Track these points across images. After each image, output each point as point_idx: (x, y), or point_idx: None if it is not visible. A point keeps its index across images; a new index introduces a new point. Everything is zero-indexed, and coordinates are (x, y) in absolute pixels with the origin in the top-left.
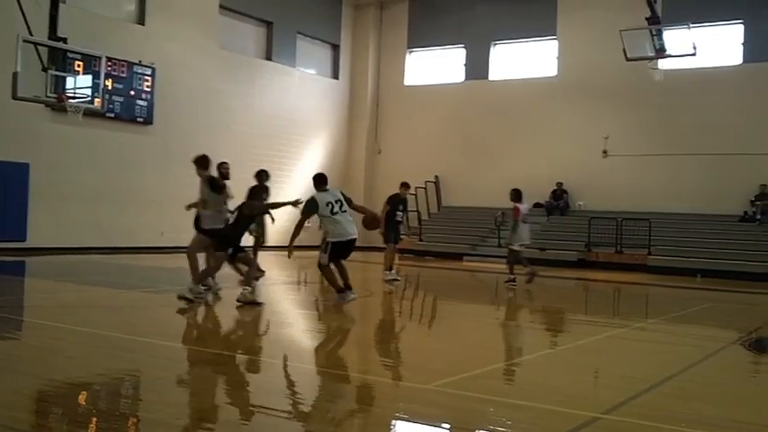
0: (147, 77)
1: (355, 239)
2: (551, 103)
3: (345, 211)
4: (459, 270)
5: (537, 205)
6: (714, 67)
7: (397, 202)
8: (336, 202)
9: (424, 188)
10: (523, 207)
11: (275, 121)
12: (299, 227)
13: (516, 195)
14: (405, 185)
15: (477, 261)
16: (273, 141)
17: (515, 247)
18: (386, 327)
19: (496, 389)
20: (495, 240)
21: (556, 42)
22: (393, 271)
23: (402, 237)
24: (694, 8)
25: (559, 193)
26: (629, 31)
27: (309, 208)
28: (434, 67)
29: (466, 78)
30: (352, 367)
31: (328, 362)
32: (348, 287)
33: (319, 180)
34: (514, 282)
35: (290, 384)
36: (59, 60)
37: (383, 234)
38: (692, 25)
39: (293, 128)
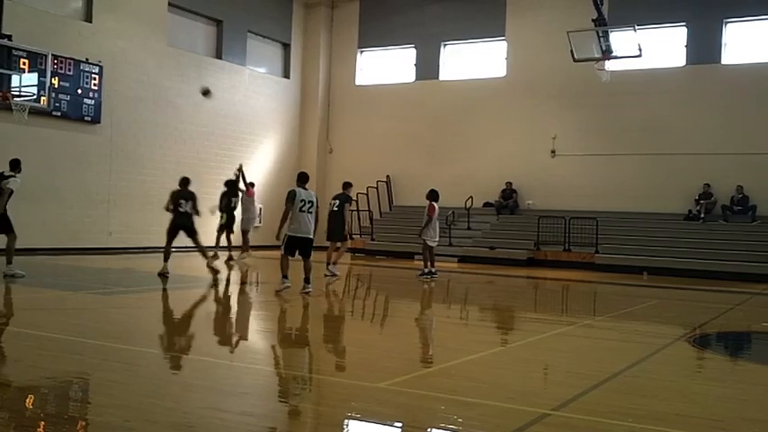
0: (94, 76)
1: (310, 239)
2: (501, 103)
3: (311, 213)
4: (409, 269)
5: (486, 204)
6: (659, 69)
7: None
8: (309, 202)
9: (376, 188)
10: (437, 206)
11: (225, 120)
12: (285, 215)
13: (433, 195)
14: (346, 184)
15: None
16: (223, 140)
17: (431, 243)
18: (337, 326)
19: (447, 387)
20: (446, 240)
21: (505, 43)
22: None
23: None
24: (640, 10)
25: (509, 193)
26: (577, 33)
27: (290, 196)
28: (385, 66)
29: (416, 78)
30: (304, 367)
31: (280, 361)
32: (306, 281)
33: (302, 178)
34: (435, 274)
35: (241, 385)
36: (4, 58)
37: (343, 233)
38: (637, 27)
39: (243, 127)
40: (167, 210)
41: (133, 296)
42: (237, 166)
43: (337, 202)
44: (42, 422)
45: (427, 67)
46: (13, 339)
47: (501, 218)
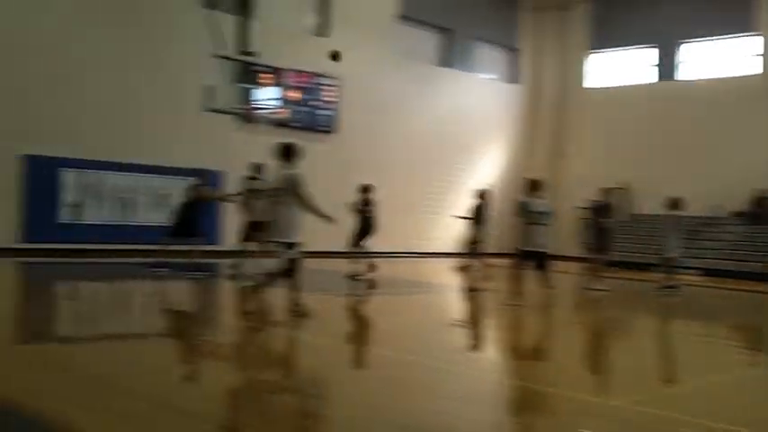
0: (329, 88)
1: (544, 252)
2: (754, 102)
3: (545, 224)
4: (647, 282)
5: (737, 214)
6: None
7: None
8: (542, 213)
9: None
10: (675, 216)
11: (453, 127)
12: (520, 227)
13: (673, 203)
14: (606, 190)
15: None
16: (451, 148)
17: (670, 255)
18: (570, 338)
19: (687, 408)
20: (689, 251)
21: (757, 39)
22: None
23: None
24: None
25: (763, 201)
26: None
27: (519, 208)
28: (619, 68)
29: (654, 79)
30: (535, 379)
31: (510, 372)
32: (545, 291)
33: (534, 186)
34: (674, 288)
35: (472, 392)
36: (249, 73)
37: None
38: None
39: (471, 134)
40: (355, 210)
41: (367, 298)
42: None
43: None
44: (285, 415)
45: (665, 66)
46: (256, 338)
47: (752, 228)
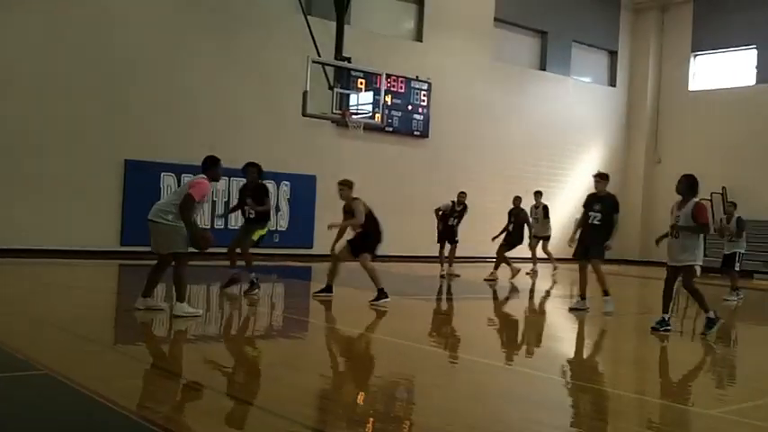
0: (423, 92)
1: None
2: None
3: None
4: (751, 289)
5: None
6: None
7: None
8: None
9: (710, 200)
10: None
11: (547, 131)
12: None
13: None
14: None
15: None
16: (544, 152)
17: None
18: (670, 347)
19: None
20: None
21: None
22: None
23: None
24: None
25: None
26: None
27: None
28: (722, 70)
29: (757, 82)
30: (629, 386)
31: (603, 379)
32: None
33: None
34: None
35: (561, 400)
36: (344, 79)
37: None
38: None
39: (565, 138)
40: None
41: (458, 303)
42: None
43: None
44: (371, 418)
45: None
46: (343, 339)
47: None
